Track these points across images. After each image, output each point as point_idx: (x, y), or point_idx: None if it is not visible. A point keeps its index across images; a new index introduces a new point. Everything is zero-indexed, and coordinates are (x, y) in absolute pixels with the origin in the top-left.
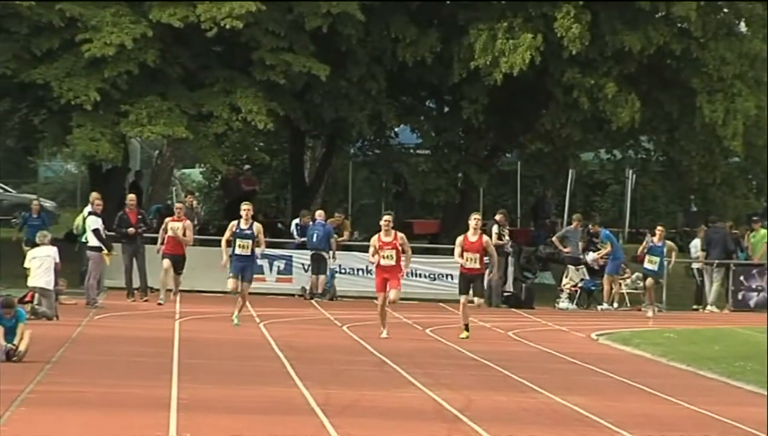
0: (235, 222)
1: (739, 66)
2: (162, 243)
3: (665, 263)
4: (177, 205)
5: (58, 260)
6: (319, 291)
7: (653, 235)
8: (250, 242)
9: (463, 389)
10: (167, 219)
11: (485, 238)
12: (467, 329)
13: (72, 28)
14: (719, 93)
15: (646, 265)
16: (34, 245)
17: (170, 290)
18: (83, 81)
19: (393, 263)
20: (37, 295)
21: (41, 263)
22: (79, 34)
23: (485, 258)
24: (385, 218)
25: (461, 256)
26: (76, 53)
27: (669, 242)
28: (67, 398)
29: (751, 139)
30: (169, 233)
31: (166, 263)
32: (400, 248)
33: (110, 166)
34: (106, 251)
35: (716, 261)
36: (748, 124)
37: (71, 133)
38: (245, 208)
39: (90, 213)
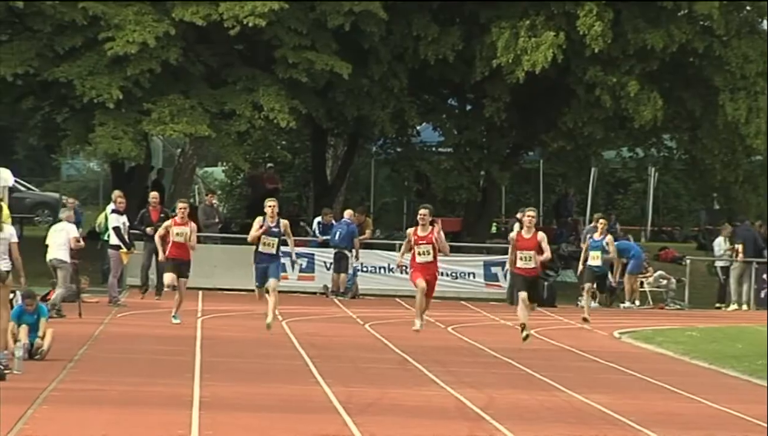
0: (260, 218)
1: (762, 64)
2: (164, 251)
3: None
4: (180, 205)
5: (75, 234)
6: (341, 290)
7: (595, 231)
8: (276, 239)
9: (485, 387)
10: (167, 223)
11: (541, 234)
12: (525, 328)
13: (95, 26)
14: (742, 91)
15: (590, 261)
16: None
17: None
18: (106, 79)
19: (430, 259)
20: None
21: (56, 238)
22: (102, 32)
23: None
24: (422, 211)
25: (512, 259)
26: (99, 51)
27: (609, 237)
28: (89, 397)
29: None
30: (174, 238)
31: (169, 277)
32: (436, 244)
33: (132, 165)
34: (125, 250)
35: (755, 260)
36: (723, 130)
37: (93, 132)
38: (270, 204)
39: (113, 211)
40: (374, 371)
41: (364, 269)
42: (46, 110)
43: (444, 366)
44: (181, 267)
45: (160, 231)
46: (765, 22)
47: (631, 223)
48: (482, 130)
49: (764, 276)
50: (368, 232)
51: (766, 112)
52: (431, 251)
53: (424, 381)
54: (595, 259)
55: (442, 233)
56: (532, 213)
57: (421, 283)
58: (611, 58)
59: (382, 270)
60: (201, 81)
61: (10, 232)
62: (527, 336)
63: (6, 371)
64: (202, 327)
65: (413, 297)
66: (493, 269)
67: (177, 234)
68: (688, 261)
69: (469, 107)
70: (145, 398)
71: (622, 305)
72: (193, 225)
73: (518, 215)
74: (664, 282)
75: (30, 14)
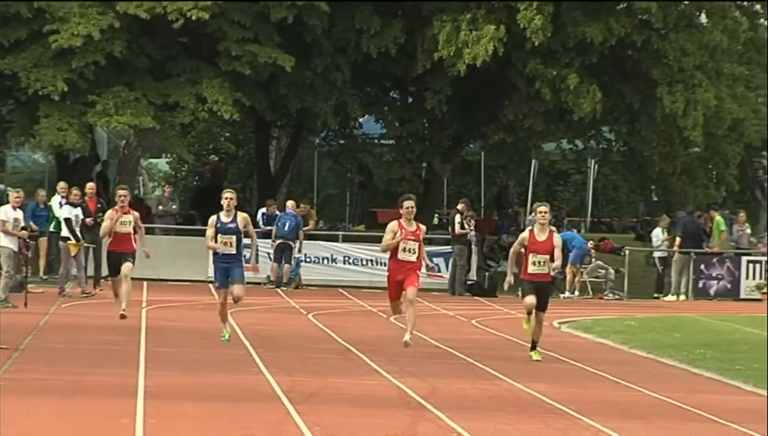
0: (214, 217)
1: (699, 57)
2: (105, 238)
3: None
4: (120, 192)
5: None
6: (285, 280)
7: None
8: (234, 237)
9: (427, 376)
10: (109, 213)
11: (557, 238)
12: (535, 348)
13: (40, 19)
14: (680, 84)
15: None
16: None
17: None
18: (51, 71)
19: (414, 258)
20: None
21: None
22: (47, 25)
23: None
24: (407, 203)
25: (525, 260)
26: (44, 44)
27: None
28: (35, 386)
29: (710, 129)
30: (117, 228)
31: (115, 283)
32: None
33: (77, 156)
34: (73, 242)
35: (693, 251)
36: (708, 115)
37: (39, 123)
38: (228, 196)
39: (66, 202)
40: (317, 360)
41: (308, 260)
42: None
43: (386, 356)
44: (124, 261)
45: (106, 226)
46: (702, 15)
47: (570, 214)
48: (424, 123)
49: (702, 267)
50: (312, 223)
51: (713, 103)
52: (416, 250)
53: (367, 371)
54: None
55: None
56: (544, 208)
57: (394, 308)
58: (551, 52)
59: (326, 261)
60: (145, 73)
61: None
62: (537, 356)
63: None
64: (147, 317)
65: (356, 288)
66: (435, 260)
67: (120, 223)
68: (626, 252)
69: (410, 100)
70: (90, 387)
71: (561, 296)
72: (136, 213)
73: (459, 206)
74: (603, 272)
75: None
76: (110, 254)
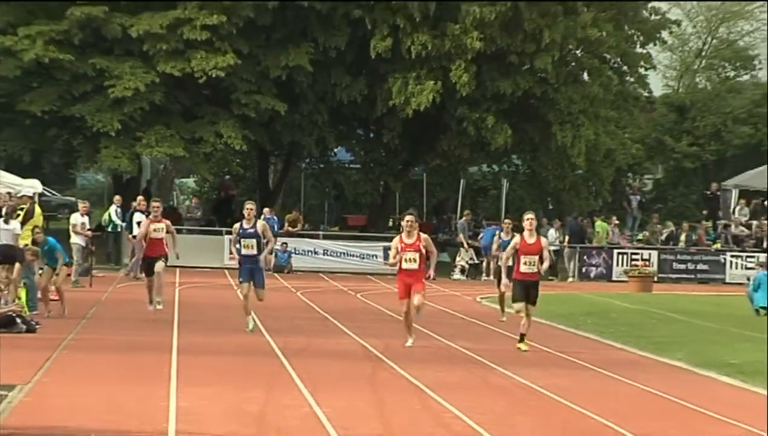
0: (237, 224)
1: (582, 104)
2: (139, 255)
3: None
4: (154, 204)
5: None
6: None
7: (501, 230)
8: (255, 241)
9: (384, 337)
10: (145, 222)
11: (544, 240)
12: (523, 339)
13: (101, 76)
14: (568, 124)
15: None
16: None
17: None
18: (109, 115)
19: (416, 266)
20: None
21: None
22: (106, 81)
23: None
24: (408, 217)
25: (516, 263)
26: (104, 94)
27: (517, 236)
28: (97, 344)
29: (590, 157)
30: (152, 235)
31: (148, 281)
32: (423, 251)
33: (129, 177)
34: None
35: (578, 246)
36: (589, 147)
37: (100, 153)
38: (248, 207)
39: (137, 210)
40: (304, 325)
41: (297, 253)
42: (65, 137)
43: (354, 322)
44: (156, 262)
45: (142, 232)
46: (585, 74)
47: (489, 219)
48: (381, 152)
49: (584, 257)
50: (299, 225)
51: (592, 138)
52: (417, 259)
53: (340, 333)
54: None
55: (431, 243)
56: (530, 216)
57: (404, 306)
58: (474, 100)
59: (310, 253)
60: (178, 116)
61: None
62: (525, 347)
63: (36, 326)
64: (179, 295)
65: (332, 273)
66: (389, 252)
67: (154, 230)
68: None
69: (372, 135)
70: (137, 345)
71: (483, 278)
72: (167, 221)
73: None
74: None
75: (53, 68)
76: (145, 259)
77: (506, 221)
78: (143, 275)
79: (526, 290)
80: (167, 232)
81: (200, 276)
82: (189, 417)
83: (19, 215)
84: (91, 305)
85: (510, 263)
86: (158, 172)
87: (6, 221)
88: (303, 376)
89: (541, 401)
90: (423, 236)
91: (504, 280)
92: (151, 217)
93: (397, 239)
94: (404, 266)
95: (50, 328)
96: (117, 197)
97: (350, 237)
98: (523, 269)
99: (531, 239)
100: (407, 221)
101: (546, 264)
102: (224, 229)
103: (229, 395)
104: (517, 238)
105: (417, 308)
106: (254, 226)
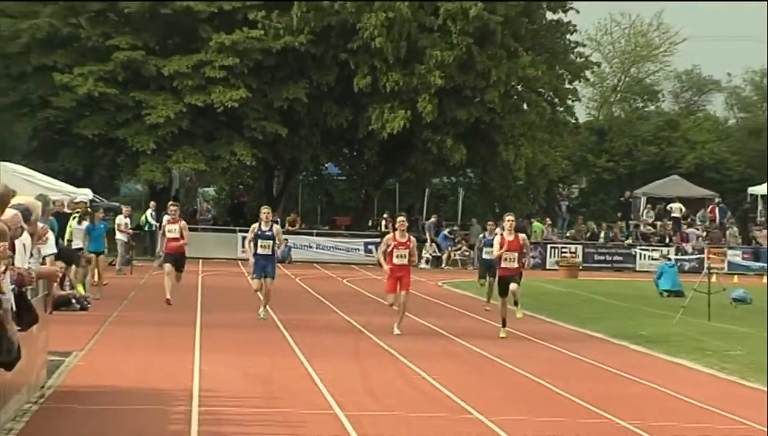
0: (255, 225)
1: (522, 129)
2: (161, 247)
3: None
4: (171, 208)
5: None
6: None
7: (485, 229)
8: (271, 242)
9: (365, 314)
10: (165, 222)
11: (522, 237)
12: (504, 325)
13: (139, 106)
14: (511, 144)
15: (484, 256)
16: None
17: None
18: (146, 137)
19: (405, 262)
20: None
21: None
22: (144, 110)
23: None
24: (400, 218)
25: (498, 258)
26: (142, 121)
27: (498, 236)
28: (135, 320)
29: (529, 171)
30: (168, 234)
31: (168, 267)
32: (413, 248)
33: (161, 186)
34: None
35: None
36: (528, 163)
37: (139, 168)
38: (265, 211)
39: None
40: (301, 305)
41: (296, 246)
42: (111, 155)
43: (341, 302)
44: (177, 261)
45: (162, 232)
46: (525, 105)
47: (449, 220)
48: (363, 167)
49: (524, 250)
50: (297, 225)
51: (530, 156)
52: (407, 255)
53: (330, 311)
54: (489, 254)
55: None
56: (510, 217)
57: (391, 298)
58: (436, 125)
59: (305, 247)
60: (201, 138)
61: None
62: (504, 334)
63: (88, 305)
64: (201, 280)
65: (324, 263)
66: (369, 246)
67: (169, 230)
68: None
69: (355, 153)
70: (168, 321)
71: (444, 266)
72: (183, 223)
73: (384, 215)
74: (468, 253)
75: (102, 100)
76: (166, 255)
77: (490, 222)
78: (164, 266)
79: (508, 282)
80: (181, 232)
81: (218, 266)
82: (209, 378)
83: (85, 218)
84: (131, 289)
85: (489, 257)
86: (185, 183)
87: (79, 222)
88: (300, 345)
89: (491, 365)
90: (412, 238)
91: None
92: (168, 218)
93: (390, 236)
94: (395, 261)
95: (99, 307)
96: (152, 203)
97: (338, 234)
98: (503, 264)
99: (510, 237)
100: (400, 223)
101: (527, 260)
102: (237, 228)
103: (241, 361)
104: (498, 237)
105: (404, 303)
106: (271, 229)
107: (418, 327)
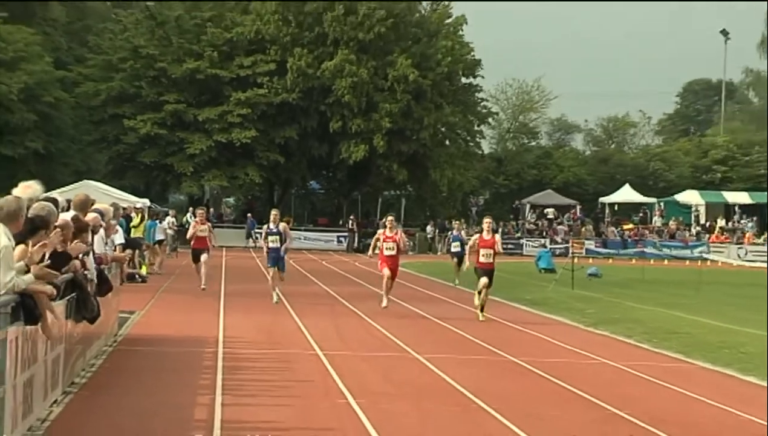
0: (266, 225)
1: (446, 158)
2: (191, 241)
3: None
4: (199, 211)
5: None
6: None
7: (453, 228)
8: (278, 237)
9: (338, 285)
10: (192, 223)
11: (497, 236)
12: (482, 311)
13: (182, 142)
14: (438, 168)
15: (452, 249)
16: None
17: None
18: (186, 163)
19: (394, 252)
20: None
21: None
22: (185, 145)
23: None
24: (389, 218)
25: (476, 252)
26: (184, 152)
27: (463, 233)
28: (179, 290)
29: (450, 187)
30: (198, 233)
31: (195, 264)
32: (399, 241)
33: (197, 197)
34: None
35: (443, 234)
36: (449, 181)
37: (181, 184)
38: (273, 213)
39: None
40: (294, 279)
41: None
42: (162, 176)
43: (323, 278)
44: (201, 254)
45: (191, 232)
46: (447, 141)
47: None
48: (336, 184)
49: (448, 241)
50: (290, 225)
51: (452, 176)
52: (395, 247)
53: (314, 284)
54: (456, 246)
55: (404, 235)
56: (489, 220)
57: (387, 272)
58: (387, 155)
59: (296, 239)
60: (224, 164)
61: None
62: (483, 317)
63: (147, 277)
64: (225, 262)
65: (309, 250)
66: (340, 238)
67: (199, 230)
68: (416, 236)
69: (331, 174)
70: (199, 293)
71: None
72: (209, 224)
73: (351, 217)
74: (410, 244)
75: (156, 137)
76: (193, 251)
77: (456, 222)
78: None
79: (486, 274)
80: (209, 231)
81: (235, 251)
82: (230, 329)
83: (166, 217)
84: (176, 269)
85: (457, 249)
86: (213, 194)
87: (160, 221)
88: (293, 307)
89: (425, 321)
90: (400, 232)
91: (468, 263)
92: (197, 220)
93: (381, 232)
94: (386, 252)
95: (154, 281)
96: (191, 208)
97: (318, 230)
98: (481, 259)
99: (487, 236)
100: (390, 221)
101: (498, 253)
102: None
103: (252, 317)
104: (476, 236)
105: (391, 286)
106: (277, 227)
107: (375, 295)
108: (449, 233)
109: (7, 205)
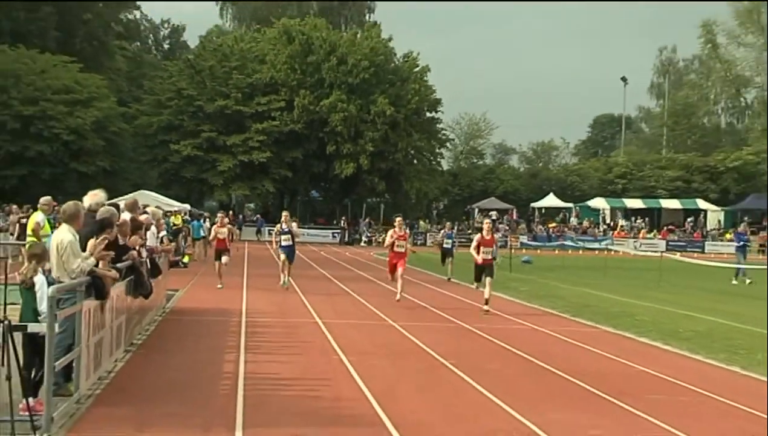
0: (279, 225)
1: (415, 172)
2: (213, 242)
3: (454, 242)
4: (220, 215)
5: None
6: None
7: (444, 227)
8: (289, 235)
9: (333, 269)
10: (214, 227)
11: (496, 236)
12: (487, 303)
13: (214, 161)
14: (409, 182)
15: (444, 245)
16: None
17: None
18: (218, 178)
19: (403, 250)
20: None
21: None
22: (216, 163)
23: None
24: (398, 218)
25: (477, 250)
26: (215, 169)
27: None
28: (213, 275)
29: (418, 195)
30: (219, 235)
31: (216, 263)
32: (407, 239)
33: (226, 203)
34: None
35: (413, 232)
36: (417, 190)
37: (213, 193)
38: (285, 215)
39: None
40: (298, 266)
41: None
42: (199, 187)
43: (322, 265)
44: (222, 254)
45: (213, 235)
46: (415, 160)
47: (375, 221)
48: (331, 193)
49: (417, 236)
50: (295, 224)
51: (419, 188)
52: (404, 245)
53: (313, 268)
54: (447, 243)
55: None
56: (488, 221)
57: (391, 277)
58: (370, 171)
59: (301, 237)
60: (246, 177)
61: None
62: (487, 310)
63: (188, 264)
64: (247, 252)
65: (312, 242)
66: (334, 234)
67: (219, 232)
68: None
69: (327, 186)
70: (230, 275)
71: (373, 244)
72: (230, 226)
73: (342, 218)
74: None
75: (194, 157)
76: (216, 251)
77: (447, 223)
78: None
79: (485, 270)
80: (229, 233)
81: (252, 244)
82: (250, 303)
83: (205, 219)
84: (211, 259)
85: (448, 245)
86: (238, 201)
87: (204, 221)
88: (299, 287)
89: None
90: (407, 231)
91: (477, 259)
92: (218, 223)
93: (392, 231)
94: (396, 249)
95: (194, 267)
96: (221, 212)
97: (318, 228)
98: (482, 256)
99: (488, 236)
100: (399, 221)
101: (495, 252)
102: (266, 226)
103: (267, 295)
104: (479, 235)
105: (400, 276)
106: (289, 227)
107: (360, 277)
108: (442, 231)
109: (69, 209)
